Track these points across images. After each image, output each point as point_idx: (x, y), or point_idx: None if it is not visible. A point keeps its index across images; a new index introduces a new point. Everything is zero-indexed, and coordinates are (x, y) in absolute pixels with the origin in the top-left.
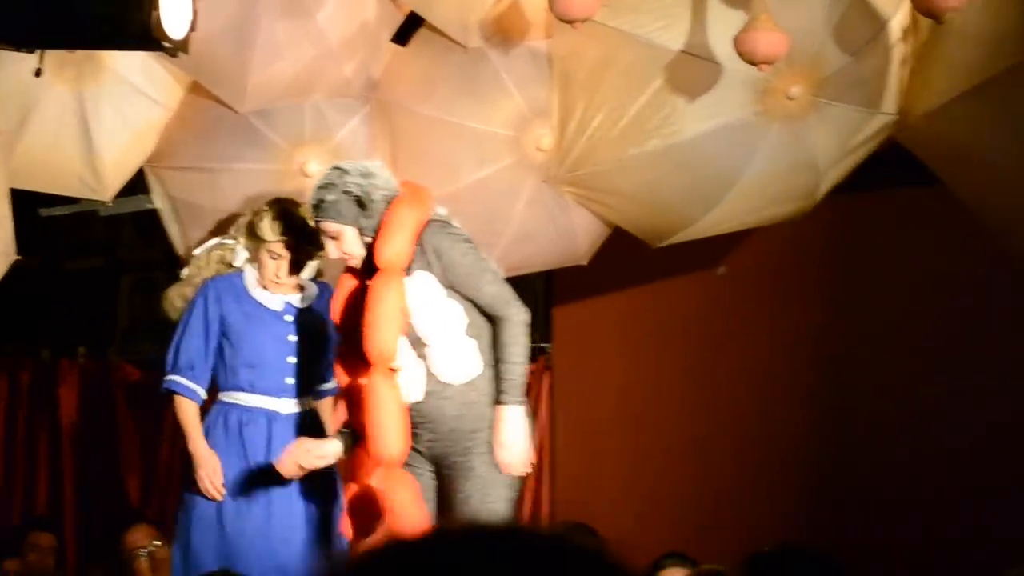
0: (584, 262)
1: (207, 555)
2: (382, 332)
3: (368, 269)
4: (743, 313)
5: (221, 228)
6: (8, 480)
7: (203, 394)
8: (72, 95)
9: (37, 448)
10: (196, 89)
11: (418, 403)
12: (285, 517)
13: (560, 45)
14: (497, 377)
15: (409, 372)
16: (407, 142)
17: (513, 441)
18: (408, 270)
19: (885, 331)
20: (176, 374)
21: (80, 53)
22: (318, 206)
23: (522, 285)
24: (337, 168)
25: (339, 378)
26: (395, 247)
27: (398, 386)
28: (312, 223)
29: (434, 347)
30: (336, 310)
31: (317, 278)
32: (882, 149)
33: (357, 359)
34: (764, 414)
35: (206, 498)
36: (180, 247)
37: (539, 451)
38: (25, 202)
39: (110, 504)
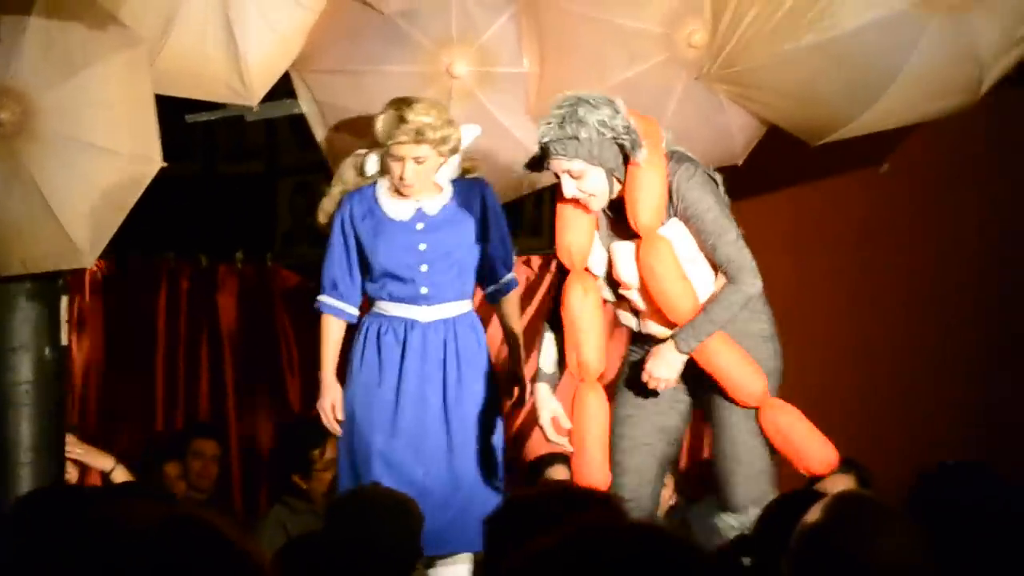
0: (739, 162)
1: (361, 464)
2: (680, 304)
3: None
4: (906, 211)
5: (366, 131)
6: (170, 386)
7: (350, 309)
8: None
9: (198, 354)
10: None
11: None
12: (426, 423)
13: None
14: (690, 323)
15: None
16: (556, 40)
17: (656, 375)
18: None
19: None
20: (323, 293)
21: None
22: (566, 142)
23: None
24: (582, 100)
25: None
26: (653, 212)
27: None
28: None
29: (698, 287)
30: (569, 242)
31: (466, 175)
32: None
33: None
34: (930, 315)
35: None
36: (327, 151)
37: None
38: (170, 109)
39: (271, 411)
